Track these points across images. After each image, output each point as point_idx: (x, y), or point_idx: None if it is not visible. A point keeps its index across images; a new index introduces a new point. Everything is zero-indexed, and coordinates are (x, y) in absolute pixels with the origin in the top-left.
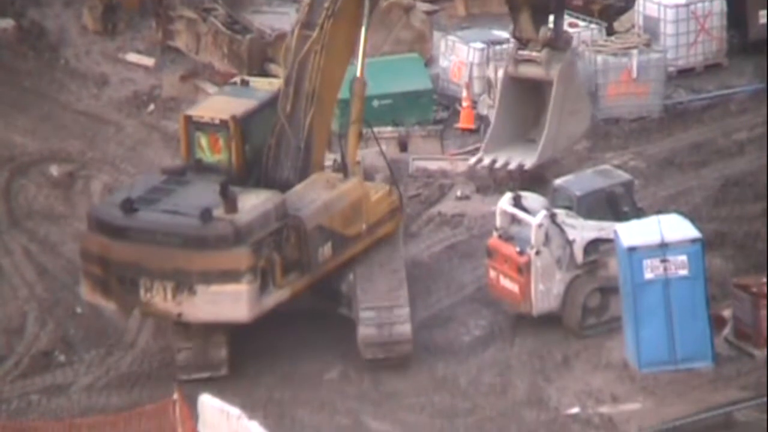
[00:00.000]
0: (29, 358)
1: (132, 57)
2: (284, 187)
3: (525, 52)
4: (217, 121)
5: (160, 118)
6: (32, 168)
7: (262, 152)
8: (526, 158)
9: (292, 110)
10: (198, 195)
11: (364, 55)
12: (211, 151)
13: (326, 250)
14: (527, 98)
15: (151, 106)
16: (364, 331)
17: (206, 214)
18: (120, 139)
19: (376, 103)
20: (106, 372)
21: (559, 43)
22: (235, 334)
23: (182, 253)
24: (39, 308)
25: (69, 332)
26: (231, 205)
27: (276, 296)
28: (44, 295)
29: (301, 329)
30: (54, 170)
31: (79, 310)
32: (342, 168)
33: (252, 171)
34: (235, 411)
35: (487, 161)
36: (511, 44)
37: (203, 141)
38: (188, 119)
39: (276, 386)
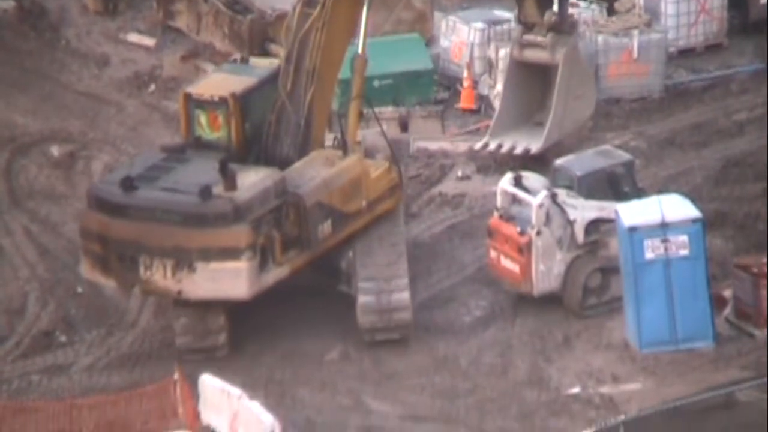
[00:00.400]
0: (30, 338)
1: (133, 37)
2: (284, 163)
3: (530, 37)
4: (216, 99)
5: (160, 98)
6: (33, 148)
7: (261, 129)
8: (532, 142)
9: (293, 87)
10: (197, 172)
11: (366, 33)
12: (210, 128)
13: (326, 226)
14: (532, 82)
15: (152, 87)
16: (363, 299)
17: (206, 192)
18: (121, 119)
19: (376, 83)
20: (107, 352)
21: (564, 27)
22: (236, 312)
23: (182, 231)
24: (40, 288)
25: (70, 312)
26: (230, 183)
27: (275, 273)
28: (45, 276)
29: (302, 308)
30: (55, 150)
31: (79, 290)
32: (342, 145)
33: (251, 148)
34: (235, 390)
35: (492, 146)
36: (516, 28)
37: (203, 118)
38: (188, 96)
39: (277, 366)
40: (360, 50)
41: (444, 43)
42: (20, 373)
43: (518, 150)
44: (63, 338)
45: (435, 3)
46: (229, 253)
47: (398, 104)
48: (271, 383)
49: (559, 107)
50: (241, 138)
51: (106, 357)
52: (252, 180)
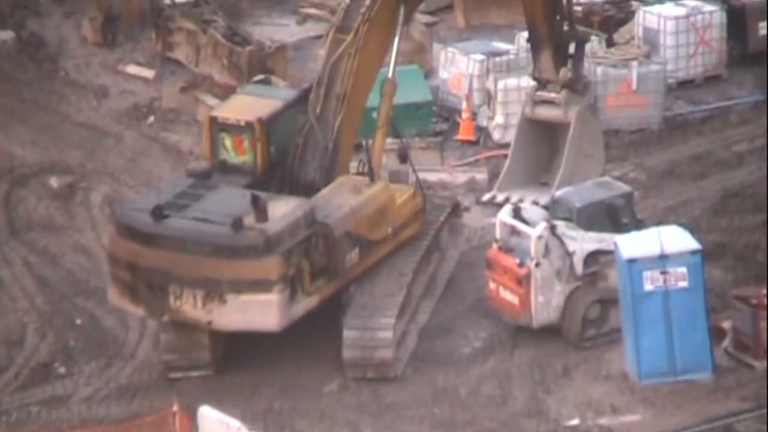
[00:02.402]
0: (29, 369)
1: (132, 69)
2: (309, 188)
3: (543, 93)
4: (242, 123)
5: (159, 129)
6: (32, 179)
7: (286, 153)
8: (540, 197)
9: (322, 111)
10: (227, 201)
11: (396, 59)
12: (235, 152)
13: (353, 255)
14: (543, 140)
15: (151, 118)
16: (347, 333)
17: (237, 224)
18: (120, 150)
19: (375, 114)
20: (106, 383)
21: (578, 85)
22: (232, 341)
23: (213, 262)
24: (39, 320)
25: (69, 344)
26: (262, 214)
27: (305, 304)
28: (44, 307)
29: (301, 339)
30: (54, 182)
31: (78, 321)
32: (368, 172)
33: (276, 172)
34: (234, 422)
35: (500, 199)
36: (531, 84)
37: (228, 142)
38: (213, 120)
39: (276, 397)
40: (390, 75)
41: (443, 74)
42: (19, 405)
43: (525, 204)
44: (62, 369)
45: (434, 34)
46: (261, 285)
47: (397, 135)
48: (271, 415)
49: (568, 166)
50: (267, 162)
51: (105, 388)
52: (283, 211)
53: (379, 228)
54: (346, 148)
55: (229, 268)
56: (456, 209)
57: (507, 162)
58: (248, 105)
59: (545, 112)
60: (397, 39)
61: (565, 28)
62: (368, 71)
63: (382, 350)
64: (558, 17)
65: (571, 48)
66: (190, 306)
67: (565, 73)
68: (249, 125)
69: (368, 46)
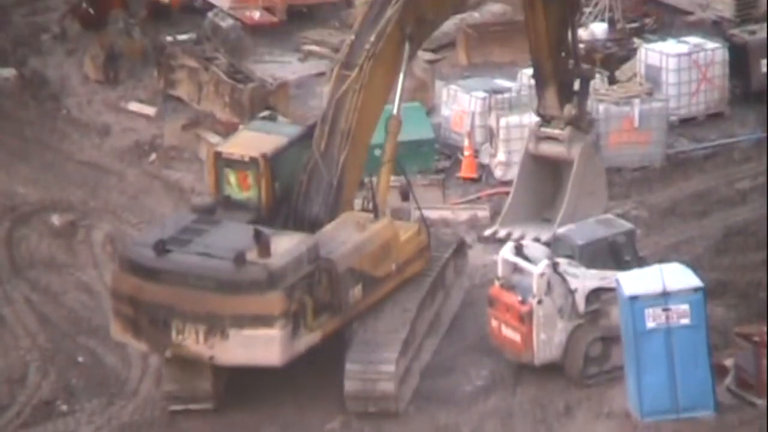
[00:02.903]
0: (31, 407)
1: (133, 106)
2: (313, 224)
3: (547, 130)
4: (246, 159)
5: (161, 167)
6: (34, 217)
7: (290, 189)
8: (542, 234)
9: (327, 148)
10: (230, 237)
11: (402, 96)
12: (239, 187)
13: (357, 291)
14: (546, 176)
15: (153, 156)
16: (350, 367)
17: (240, 258)
18: (122, 188)
19: (377, 151)
20: (108, 421)
21: (582, 123)
22: (235, 377)
23: (215, 297)
24: (41, 357)
25: (71, 381)
26: (264, 249)
27: (307, 339)
28: (46, 345)
29: (304, 376)
30: (56, 219)
31: (80, 359)
32: (372, 209)
33: (280, 208)
34: None
35: (502, 234)
36: (534, 121)
37: (232, 177)
38: (217, 155)
39: None
40: (395, 112)
41: (445, 111)
42: None
43: (527, 240)
44: (64, 407)
45: (436, 71)
46: (263, 320)
47: (399, 173)
48: None
49: (571, 203)
50: (271, 198)
51: (108, 426)
52: (286, 246)
53: (383, 264)
54: (351, 184)
55: (231, 303)
56: (461, 248)
57: (509, 197)
58: (253, 141)
59: (549, 149)
60: (402, 76)
61: (570, 65)
62: (373, 108)
63: (384, 383)
64: (563, 54)
65: (576, 85)
66: (193, 341)
67: (570, 109)
68: (253, 161)
69: (373, 82)
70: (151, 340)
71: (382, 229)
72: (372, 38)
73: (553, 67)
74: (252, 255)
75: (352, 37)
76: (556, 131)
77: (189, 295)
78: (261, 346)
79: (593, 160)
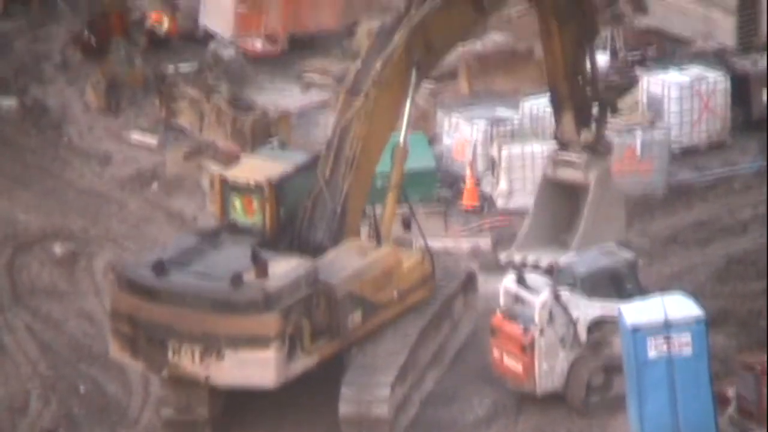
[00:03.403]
0: None
1: (135, 135)
2: (317, 250)
3: (565, 155)
4: (252, 184)
5: (163, 196)
6: (35, 245)
7: (295, 215)
8: (558, 258)
9: (331, 175)
10: (229, 258)
11: (408, 125)
12: (245, 212)
13: (356, 316)
14: (563, 201)
15: (155, 185)
16: (345, 391)
17: (237, 279)
18: (123, 216)
19: (379, 182)
20: None
21: (599, 148)
22: (234, 401)
23: (211, 317)
24: (42, 386)
25: (72, 410)
26: (262, 270)
27: (304, 362)
28: (47, 373)
29: (303, 401)
30: (57, 248)
31: (82, 387)
32: (375, 235)
33: (285, 234)
34: None
35: (517, 259)
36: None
37: (237, 203)
38: (224, 181)
39: None
40: (401, 141)
41: (447, 140)
42: None
43: (542, 264)
44: None
45: (438, 101)
46: (258, 342)
47: (401, 202)
48: None
49: (587, 228)
50: (276, 224)
51: None
52: (284, 268)
53: (384, 291)
54: (355, 211)
55: (227, 323)
56: (471, 281)
57: (527, 221)
58: (259, 167)
59: (566, 173)
60: (408, 104)
61: (588, 90)
62: (378, 135)
63: (378, 406)
64: (579, 79)
65: (595, 110)
66: (189, 361)
67: (586, 135)
68: (259, 186)
69: (378, 109)
70: (148, 359)
71: (384, 256)
72: (378, 65)
73: (569, 92)
74: (249, 276)
75: (359, 63)
76: (573, 156)
77: (186, 315)
78: (256, 368)
79: (610, 186)
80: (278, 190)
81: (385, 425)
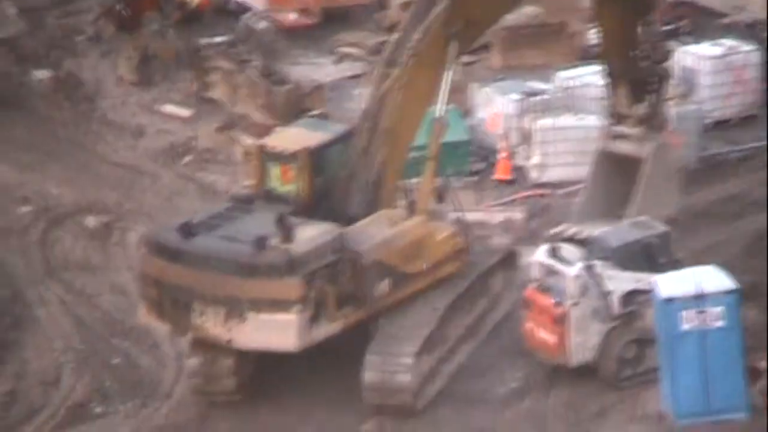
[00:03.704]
0: (65, 409)
1: (168, 108)
2: (351, 222)
3: (619, 129)
4: (288, 152)
5: (195, 169)
6: (68, 219)
7: (332, 186)
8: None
9: (367, 146)
10: (258, 224)
11: (447, 97)
12: (282, 181)
13: (383, 285)
14: (619, 174)
15: (187, 158)
16: (369, 358)
17: (261, 243)
18: (156, 190)
19: (415, 155)
20: (142, 423)
21: (655, 122)
22: (269, 379)
23: (235, 280)
24: (75, 359)
25: (105, 383)
26: (287, 235)
27: (327, 328)
28: (80, 347)
29: (338, 378)
30: (90, 221)
31: (114, 361)
32: (408, 206)
33: (321, 204)
34: None
35: (570, 232)
36: (607, 122)
37: (275, 171)
38: (262, 148)
39: None
40: (439, 114)
41: (480, 114)
42: None
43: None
44: (98, 409)
45: (471, 74)
46: (280, 305)
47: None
48: None
49: (640, 202)
50: (311, 192)
51: (142, 428)
52: (310, 234)
53: (413, 261)
54: (390, 183)
55: (250, 286)
56: (511, 259)
57: (582, 195)
58: (297, 136)
59: (621, 147)
60: (447, 75)
61: (642, 64)
62: (415, 107)
63: (401, 375)
64: (633, 53)
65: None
66: (212, 324)
67: (641, 108)
68: (295, 155)
69: (415, 81)
70: (174, 322)
71: (415, 226)
72: (416, 37)
73: (622, 67)
74: (275, 241)
75: (398, 35)
76: (628, 130)
77: (210, 277)
78: (277, 331)
79: (665, 160)
80: (314, 158)
81: (408, 394)
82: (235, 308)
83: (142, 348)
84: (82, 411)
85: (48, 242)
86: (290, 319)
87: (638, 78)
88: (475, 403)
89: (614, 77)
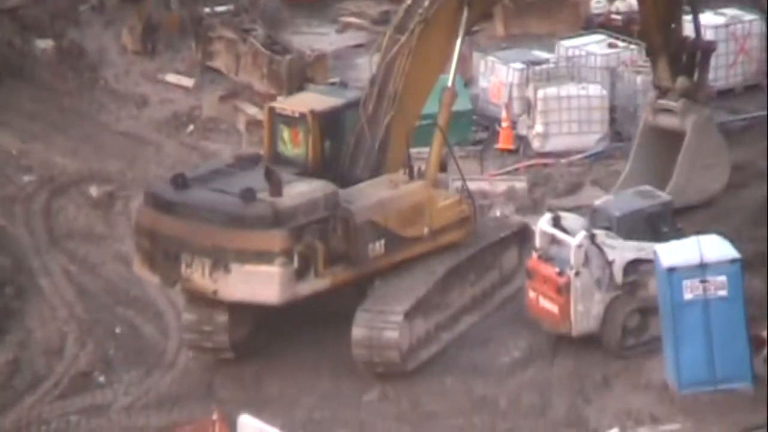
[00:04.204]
0: (69, 378)
1: (171, 77)
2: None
3: (662, 101)
4: (297, 114)
5: (199, 138)
6: (72, 188)
7: (341, 151)
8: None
9: (374, 111)
10: (254, 179)
11: (457, 66)
12: (291, 144)
13: (378, 246)
14: (663, 148)
15: (191, 127)
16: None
17: (248, 194)
18: (159, 159)
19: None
20: (146, 392)
21: (699, 95)
22: (273, 353)
23: (221, 231)
24: (78, 329)
25: (108, 353)
26: (276, 188)
27: (314, 284)
28: (84, 316)
29: (340, 348)
30: (93, 191)
31: (118, 330)
32: (408, 170)
33: (330, 169)
34: (274, 431)
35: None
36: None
37: (285, 134)
38: (272, 111)
39: (315, 406)
40: (450, 83)
41: (483, 83)
42: (59, 414)
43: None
44: (101, 379)
45: (474, 43)
46: (264, 257)
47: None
48: (310, 424)
49: (682, 176)
50: (319, 156)
51: (145, 397)
52: (301, 189)
53: (412, 225)
54: (396, 149)
55: (235, 237)
56: (525, 234)
57: (626, 168)
58: (309, 100)
59: (664, 120)
60: (458, 43)
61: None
62: (423, 73)
63: (389, 332)
64: (673, 26)
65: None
66: (199, 275)
67: (683, 82)
68: (303, 117)
69: (423, 47)
70: (164, 273)
71: (416, 189)
72: (427, 2)
73: (662, 40)
74: (264, 194)
75: (409, 1)
76: (671, 103)
77: (198, 229)
78: (260, 283)
79: (709, 134)
80: (322, 121)
81: (395, 351)
82: (221, 259)
83: (145, 317)
84: (85, 380)
85: (51, 211)
86: (273, 271)
87: (677, 52)
88: (478, 373)
89: (655, 51)
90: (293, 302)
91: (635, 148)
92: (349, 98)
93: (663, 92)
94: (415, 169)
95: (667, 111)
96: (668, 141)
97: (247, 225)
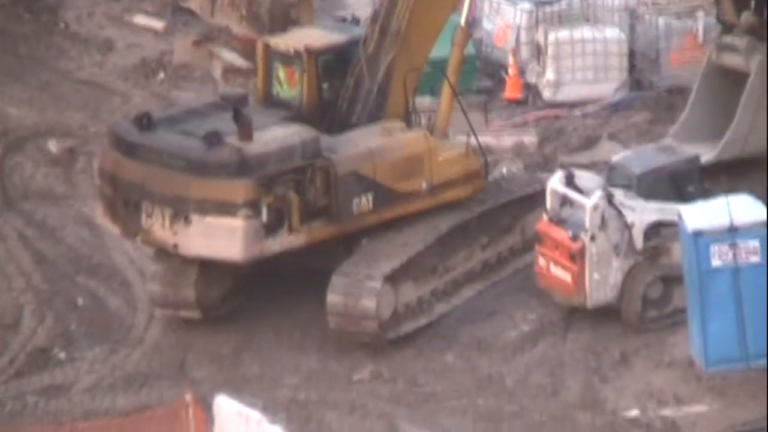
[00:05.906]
0: (25, 355)
1: (140, 19)
2: None
3: (727, 39)
4: (292, 51)
5: (170, 87)
6: (28, 143)
7: (340, 94)
8: (706, 152)
9: (375, 50)
10: (228, 121)
11: (471, 4)
12: (288, 84)
13: (365, 201)
14: (727, 89)
15: (161, 75)
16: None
17: (212, 138)
18: (126, 111)
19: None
20: (111, 371)
21: (763, 32)
22: (253, 326)
23: (183, 178)
24: (36, 300)
25: (69, 327)
26: (245, 133)
27: (287, 240)
28: (42, 286)
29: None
30: (53, 146)
31: (80, 302)
32: (406, 118)
33: (327, 113)
34: (255, 414)
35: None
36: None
37: (281, 73)
38: (266, 47)
39: (301, 386)
40: (462, 22)
41: (487, 26)
42: (15, 394)
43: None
44: (62, 355)
45: None
46: (226, 208)
47: (436, 94)
48: (295, 405)
49: (744, 119)
50: (315, 99)
51: (110, 376)
52: (275, 134)
53: (407, 179)
54: (397, 92)
55: (197, 186)
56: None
57: (686, 110)
58: (308, 36)
59: (728, 59)
60: None
61: None
62: (430, 9)
63: (365, 300)
64: None
65: None
66: (159, 226)
67: (748, 17)
68: (298, 54)
69: None
70: (124, 224)
71: (412, 139)
72: None
73: None
74: (232, 138)
75: None
76: (735, 40)
77: (160, 175)
78: (222, 237)
79: None
80: (320, 60)
81: (372, 321)
82: (181, 210)
83: (110, 287)
84: (44, 357)
85: (5, 169)
86: (236, 224)
87: None
88: (483, 349)
89: None
90: (261, 259)
91: (695, 90)
92: (352, 35)
93: (728, 28)
94: (423, 119)
95: (731, 48)
96: (733, 81)
97: (210, 172)
